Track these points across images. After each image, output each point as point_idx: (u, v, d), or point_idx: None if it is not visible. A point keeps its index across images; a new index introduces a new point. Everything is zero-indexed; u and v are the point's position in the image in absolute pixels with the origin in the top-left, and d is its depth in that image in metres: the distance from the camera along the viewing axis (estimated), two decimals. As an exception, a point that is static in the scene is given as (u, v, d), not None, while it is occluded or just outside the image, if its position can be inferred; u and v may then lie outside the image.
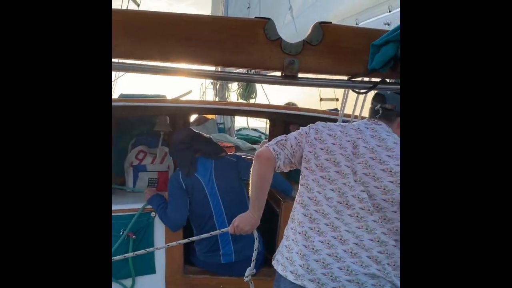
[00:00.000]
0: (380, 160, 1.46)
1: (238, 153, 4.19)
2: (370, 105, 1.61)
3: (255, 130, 8.17)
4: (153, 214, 2.55)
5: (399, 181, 1.44)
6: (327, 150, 1.52)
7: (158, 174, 3.04)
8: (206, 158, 2.62)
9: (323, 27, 1.02)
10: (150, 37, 0.96)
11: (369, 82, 1.06)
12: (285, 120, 3.34)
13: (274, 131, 3.45)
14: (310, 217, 1.49)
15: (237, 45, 0.99)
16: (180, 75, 1.05)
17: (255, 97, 6.06)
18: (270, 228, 2.85)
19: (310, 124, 1.62)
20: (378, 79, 1.05)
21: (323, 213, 1.48)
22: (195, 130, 2.85)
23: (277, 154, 1.55)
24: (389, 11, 1.85)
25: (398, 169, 1.45)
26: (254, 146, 5.58)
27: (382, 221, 1.44)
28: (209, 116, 5.59)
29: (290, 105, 3.73)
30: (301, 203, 1.53)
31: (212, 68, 1.30)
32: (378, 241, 1.41)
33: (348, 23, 2.22)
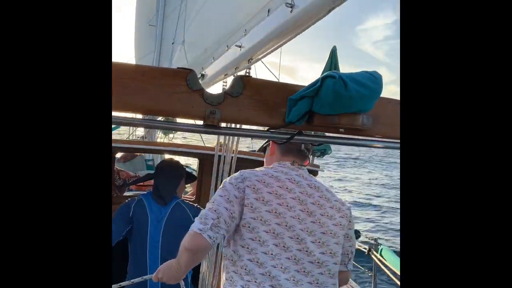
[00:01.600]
0: (328, 215, 1.45)
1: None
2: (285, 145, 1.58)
3: (186, 166, 8.06)
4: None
5: (344, 232, 1.49)
6: (275, 213, 1.39)
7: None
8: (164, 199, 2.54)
9: (243, 80, 1.07)
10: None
11: (287, 133, 1.12)
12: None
13: (204, 171, 3.44)
14: None
15: (159, 94, 1.00)
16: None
17: (174, 133, 6.10)
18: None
19: (238, 181, 1.42)
20: (295, 131, 1.11)
21: None
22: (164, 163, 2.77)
23: (214, 241, 1.34)
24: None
25: (343, 221, 1.48)
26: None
27: (326, 276, 1.44)
28: (137, 153, 5.44)
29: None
30: (255, 281, 1.35)
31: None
32: None
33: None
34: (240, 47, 2.01)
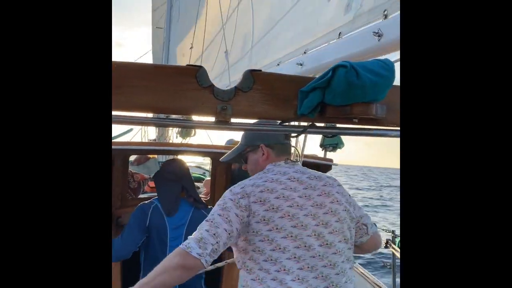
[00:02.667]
0: (337, 201, 1.47)
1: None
2: (278, 144, 1.60)
3: (198, 167, 8.10)
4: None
5: (342, 217, 1.47)
6: (288, 216, 1.39)
7: (94, 219, 2.89)
8: (189, 203, 2.45)
9: (253, 75, 1.06)
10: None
11: (300, 126, 1.11)
12: (226, 159, 3.36)
13: (216, 170, 3.45)
14: None
15: (169, 92, 1.00)
16: (115, 123, 1.03)
17: (194, 135, 6.10)
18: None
19: (239, 197, 1.40)
20: (307, 123, 1.10)
21: None
22: (186, 165, 2.68)
23: (208, 265, 1.33)
24: (304, 53, 2.06)
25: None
26: (198, 184, 5.51)
27: (346, 263, 1.45)
28: (150, 155, 5.47)
29: (232, 143, 3.76)
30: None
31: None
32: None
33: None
34: (301, 65, 2.03)
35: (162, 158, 5.94)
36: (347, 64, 0.98)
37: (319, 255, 1.38)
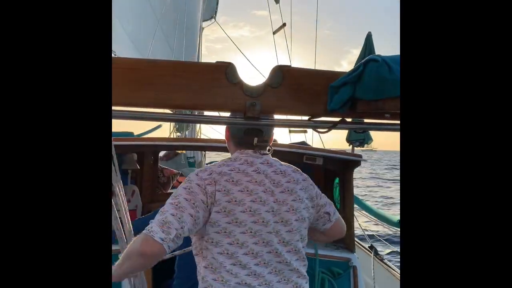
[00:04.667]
0: (299, 198, 1.46)
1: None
2: (236, 135, 1.52)
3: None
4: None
5: (302, 217, 1.46)
6: (250, 211, 1.37)
7: (125, 213, 2.97)
8: None
9: (283, 70, 1.05)
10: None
11: (329, 121, 1.09)
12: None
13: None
14: None
15: (199, 88, 1.01)
16: (144, 120, 1.05)
17: (188, 129, 6.46)
18: None
19: (207, 183, 1.35)
20: (337, 119, 1.08)
21: None
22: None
23: (171, 251, 1.28)
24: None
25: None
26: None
27: (299, 260, 1.47)
28: (179, 150, 5.55)
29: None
30: (244, 283, 1.35)
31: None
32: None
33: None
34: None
35: (191, 153, 6.02)
36: (378, 58, 0.96)
37: (276, 252, 1.39)
